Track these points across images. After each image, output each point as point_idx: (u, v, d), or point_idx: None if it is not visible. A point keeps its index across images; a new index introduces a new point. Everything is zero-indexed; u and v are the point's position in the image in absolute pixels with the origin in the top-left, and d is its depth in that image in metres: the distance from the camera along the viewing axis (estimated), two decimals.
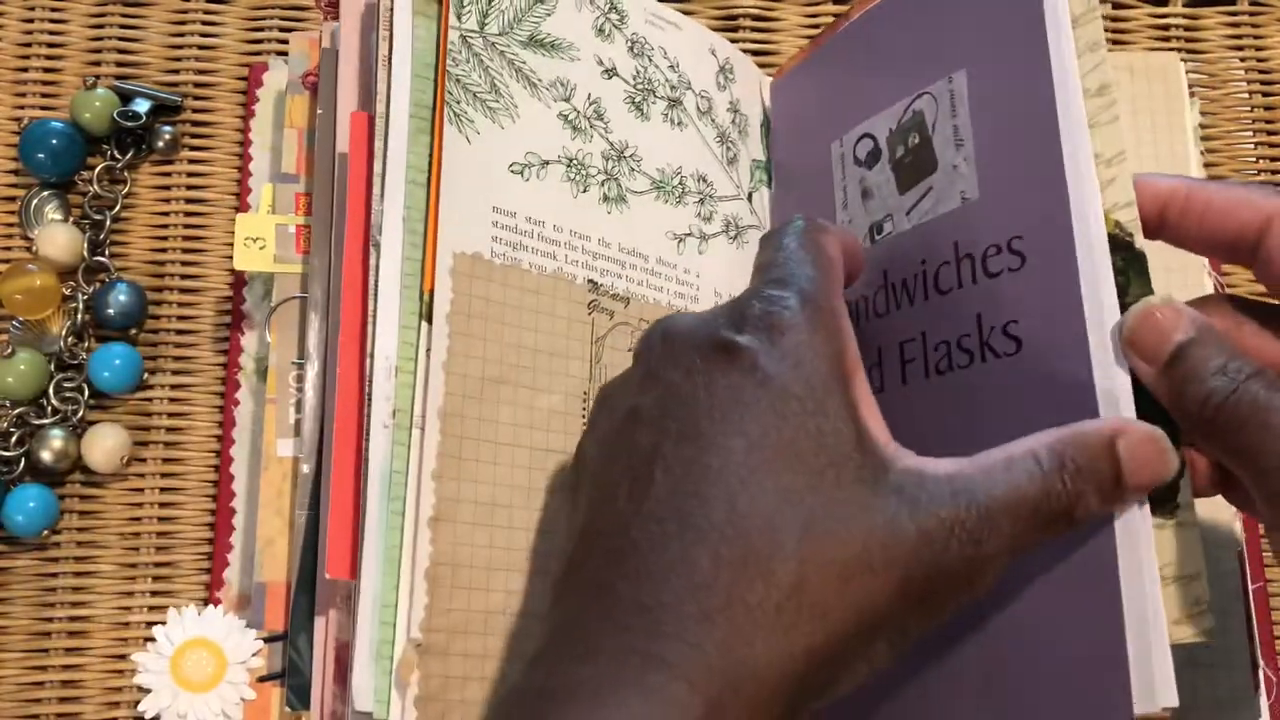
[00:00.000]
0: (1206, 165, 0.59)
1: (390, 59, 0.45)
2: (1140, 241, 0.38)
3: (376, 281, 0.43)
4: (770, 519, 0.32)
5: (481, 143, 0.45)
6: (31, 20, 0.59)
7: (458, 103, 0.45)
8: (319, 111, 0.51)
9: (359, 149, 0.46)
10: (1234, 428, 0.35)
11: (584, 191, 0.47)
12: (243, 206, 0.56)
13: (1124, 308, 0.37)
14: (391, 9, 0.45)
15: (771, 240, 0.38)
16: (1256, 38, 0.62)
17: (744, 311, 0.35)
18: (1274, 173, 0.60)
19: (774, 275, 0.36)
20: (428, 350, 0.43)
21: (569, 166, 0.47)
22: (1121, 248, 0.38)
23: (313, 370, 0.49)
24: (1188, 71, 0.61)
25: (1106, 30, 0.61)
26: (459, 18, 0.46)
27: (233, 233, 0.55)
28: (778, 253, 0.37)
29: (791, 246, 0.37)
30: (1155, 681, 0.34)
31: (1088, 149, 0.38)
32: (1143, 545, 0.35)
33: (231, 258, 0.54)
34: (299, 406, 0.50)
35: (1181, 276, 0.56)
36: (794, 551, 0.31)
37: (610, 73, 0.49)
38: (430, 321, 0.43)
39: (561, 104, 0.48)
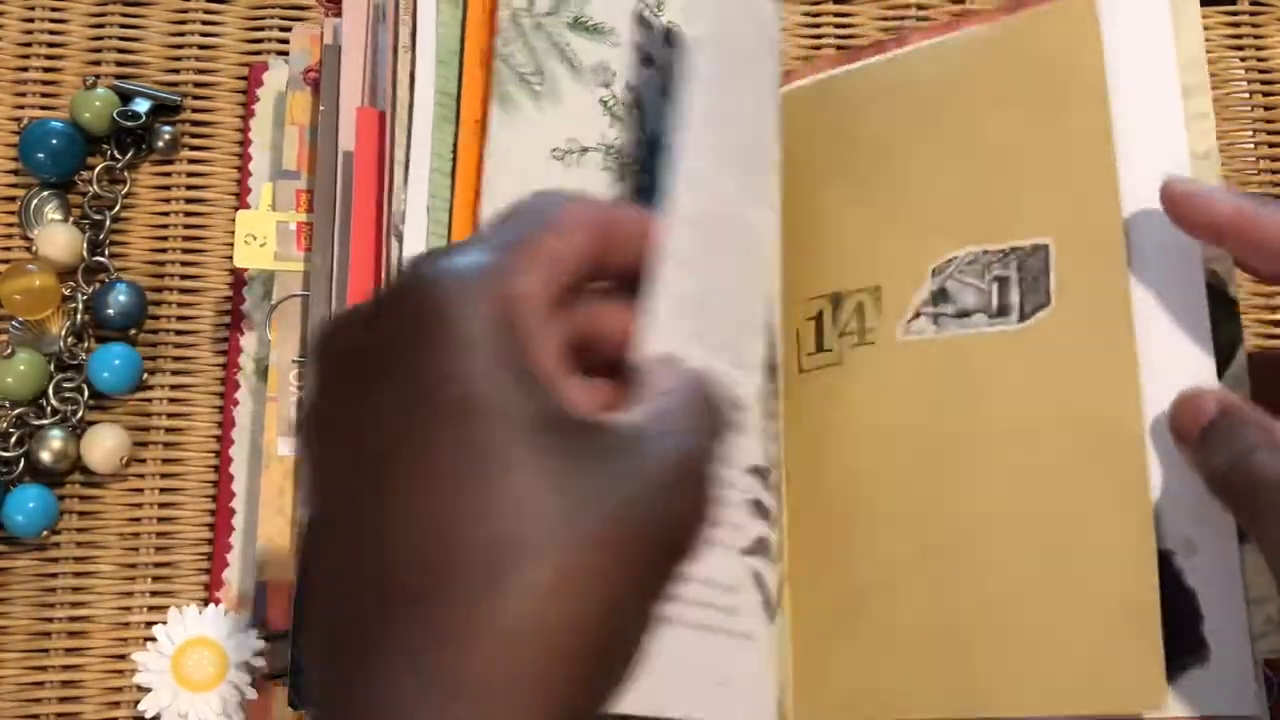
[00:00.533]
0: None
1: (414, 45, 0.44)
2: (1233, 290, 0.44)
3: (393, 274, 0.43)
4: (425, 565, 0.25)
5: (526, 126, 0.45)
6: (32, 20, 0.59)
7: (503, 84, 0.45)
8: (321, 108, 0.51)
9: (368, 144, 0.45)
10: (1241, 495, 0.39)
11: (621, 181, 0.47)
12: (242, 206, 0.56)
13: (1217, 344, 0.43)
14: None
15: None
16: (1256, 38, 0.62)
17: (393, 288, 0.28)
18: (1274, 173, 0.60)
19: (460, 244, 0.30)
20: None
21: (606, 154, 0.47)
22: (1215, 293, 0.43)
23: None
24: None
25: None
26: None
27: (233, 232, 0.55)
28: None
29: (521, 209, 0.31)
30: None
31: None
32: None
33: (231, 257, 0.54)
34: (301, 404, 0.50)
35: None
36: (466, 598, 0.24)
37: (648, 61, 0.49)
38: None
39: (602, 90, 0.47)
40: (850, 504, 0.48)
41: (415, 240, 0.43)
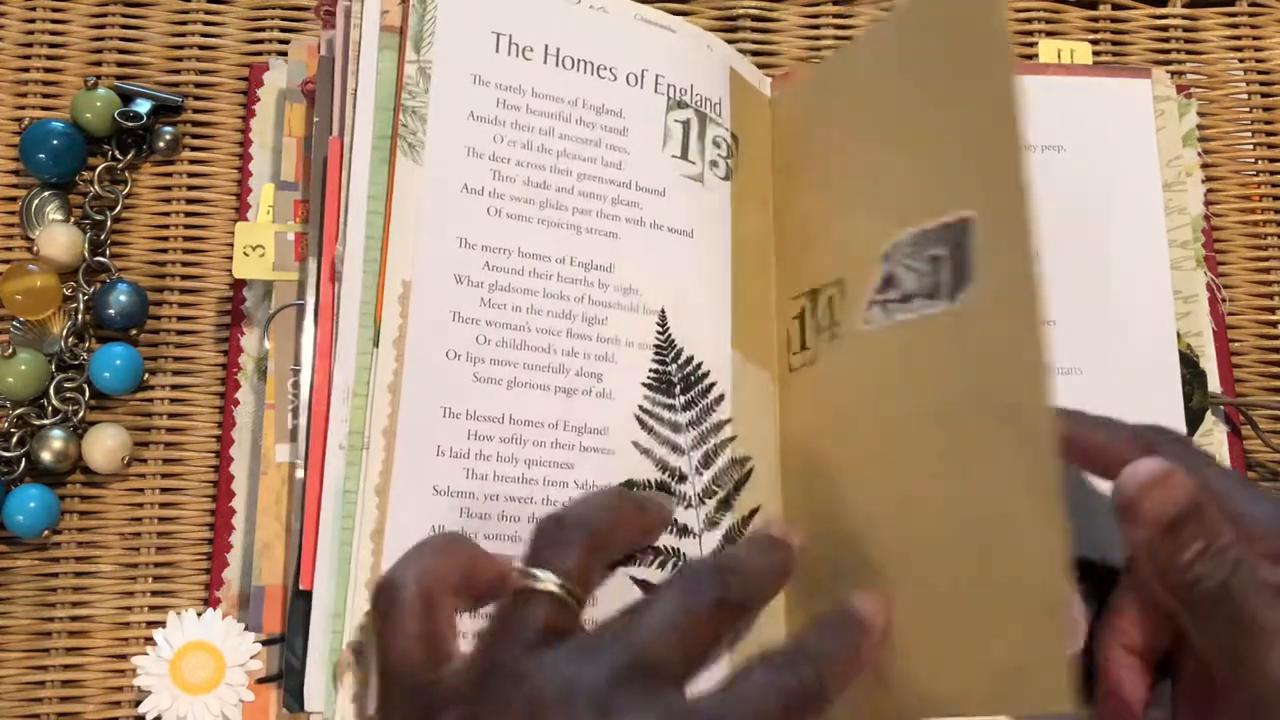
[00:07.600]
0: (1205, 166, 0.59)
1: (356, 93, 0.47)
2: (1205, 363, 0.50)
3: (338, 310, 0.46)
4: None
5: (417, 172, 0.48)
6: (33, 20, 0.59)
7: (413, 134, 0.48)
8: (315, 119, 0.51)
9: (334, 171, 0.48)
10: (1217, 617, 0.36)
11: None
12: (243, 207, 0.56)
13: (1188, 411, 0.49)
14: (360, 43, 0.48)
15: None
16: (1255, 39, 0.62)
17: None
18: (1273, 173, 0.60)
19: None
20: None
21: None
22: (1189, 364, 0.50)
23: (307, 377, 0.49)
24: (1187, 73, 0.61)
25: (1106, 31, 0.61)
26: (417, 50, 0.48)
27: (233, 233, 0.55)
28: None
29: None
30: None
31: (1168, 285, 0.52)
32: None
33: (232, 258, 0.54)
34: (296, 412, 0.50)
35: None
36: None
37: None
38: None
39: None
40: (829, 502, 0.47)
41: (352, 279, 0.47)
